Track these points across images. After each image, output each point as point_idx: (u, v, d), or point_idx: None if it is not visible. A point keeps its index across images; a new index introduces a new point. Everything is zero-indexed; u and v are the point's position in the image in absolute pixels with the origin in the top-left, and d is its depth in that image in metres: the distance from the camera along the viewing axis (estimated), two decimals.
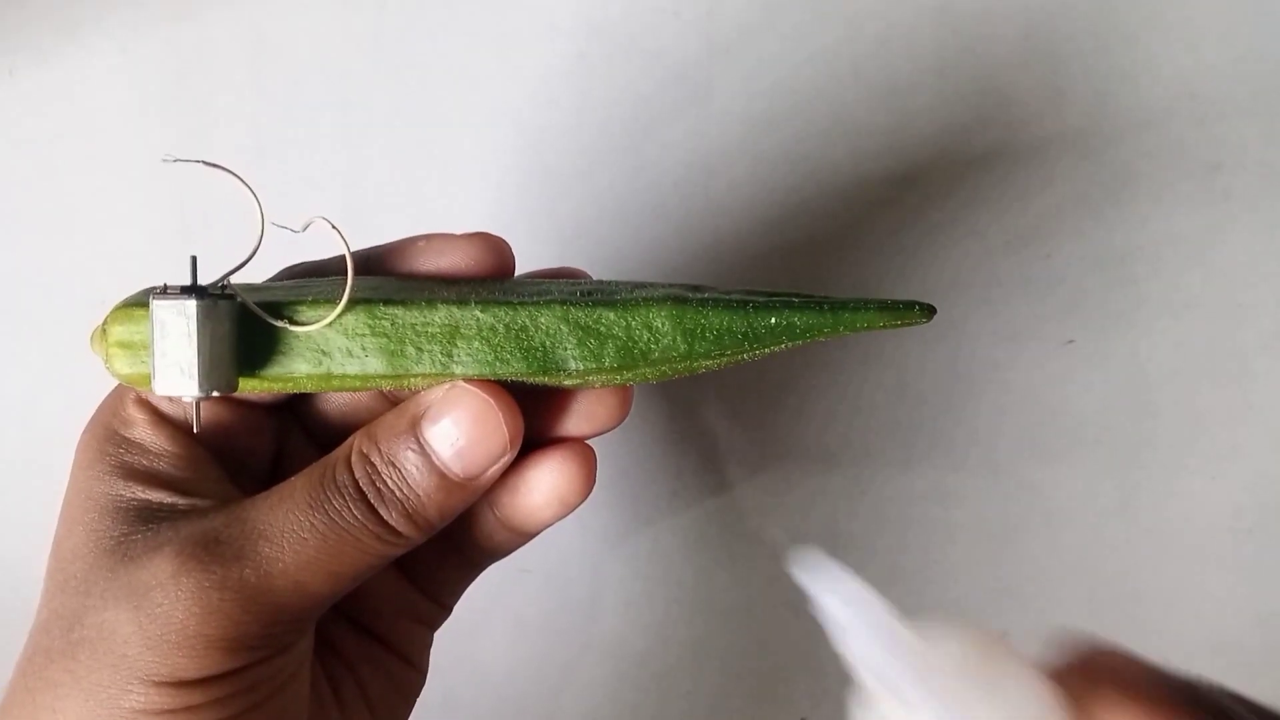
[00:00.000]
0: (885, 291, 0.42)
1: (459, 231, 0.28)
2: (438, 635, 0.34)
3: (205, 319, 0.24)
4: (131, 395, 0.27)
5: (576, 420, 0.28)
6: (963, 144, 0.42)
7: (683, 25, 0.42)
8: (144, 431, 0.27)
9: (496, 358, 0.26)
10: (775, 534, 0.43)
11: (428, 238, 0.28)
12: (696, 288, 0.28)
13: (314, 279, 0.28)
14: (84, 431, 0.27)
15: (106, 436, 0.27)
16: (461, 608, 0.34)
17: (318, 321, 0.26)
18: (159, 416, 0.27)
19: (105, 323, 0.26)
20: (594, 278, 0.31)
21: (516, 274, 0.29)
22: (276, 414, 0.29)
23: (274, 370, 0.26)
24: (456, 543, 0.29)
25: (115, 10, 0.41)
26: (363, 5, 0.42)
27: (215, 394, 0.25)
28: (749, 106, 0.42)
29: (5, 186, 0.41)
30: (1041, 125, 0.42)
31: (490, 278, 0.28)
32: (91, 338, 0.27)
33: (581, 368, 0.26)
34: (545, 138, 0.42)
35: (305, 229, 0.25)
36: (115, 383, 0.29)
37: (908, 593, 0.42)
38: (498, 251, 0.28)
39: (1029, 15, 0.42)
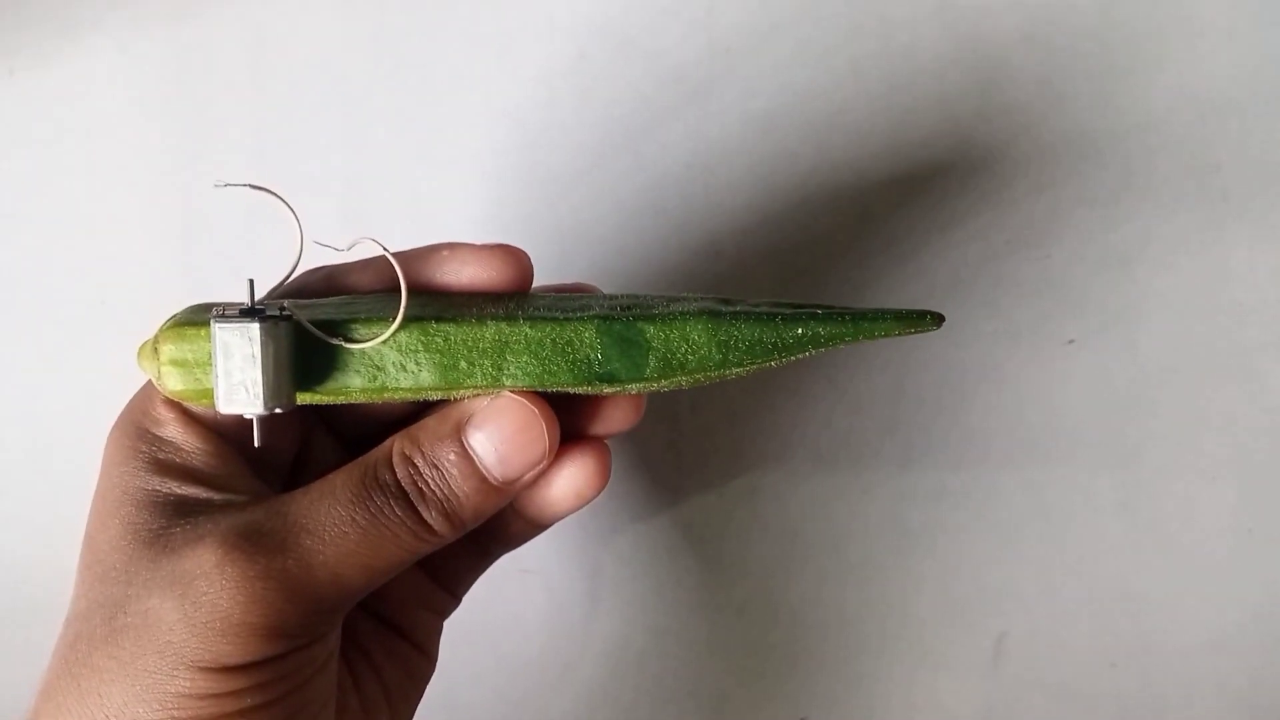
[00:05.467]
0: (886, 291, 0.42)
1: (478, 240, 0.30)
2: (440, 637, 0.34)
3: (267, 340, 0.26)
4: (160, 395, 0.29)
5: (594, 422, 0.31)
6: (963, 144, 0.42)
7: (683, 25, 0.42)
8: (175, 430, 0.28)
9: (544, 370, 0.28)
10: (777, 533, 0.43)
11: (451, 247, 0.30)
12: (726, 300, 0.30)
13: (359, 296, 0.29)
14: (113, 429, 0.29)
15: (138, 434, 0.28)
16: (462, 608, 0.34)
17: (372, 339, 0.27)
18: (188, 415, 0.29)
19: (156, 341, 0.28)
20: (598, 285, 0.32)
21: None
22: (301, 411, 0.30)
23: (329, 385, 0.28)
24: (472, 534, 0.31)
25: (115, 10, 0.41)
26: (363, 5, 0.42)
27: (278, 411, 0.27)
28: (749, 106, 0.42)
29: (5, 186, 0.41)
30: (1042, 125, 0.42)
31: (510, 291, 0.29)
32: (140, 354, 0.28)
33: (624, 378, 0.28)
34: (545, 138, 0.42)
35: (350, 248, 0.27)
36: (117, 384, 0.30)
37: (907, 592, 0.42)
38: (519, 263, 0.29)
39: (1029, 15, 0.42)
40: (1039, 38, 0.43)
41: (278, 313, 0.27)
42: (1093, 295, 0.42)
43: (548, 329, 0.28)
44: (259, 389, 0.26)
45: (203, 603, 0.25)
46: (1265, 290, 0.42)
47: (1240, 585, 0.42)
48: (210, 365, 0.27)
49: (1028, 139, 0.42)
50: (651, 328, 0.28)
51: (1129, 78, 0.43)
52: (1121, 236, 0.42)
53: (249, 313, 0.26)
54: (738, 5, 0.42)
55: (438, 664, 0.34)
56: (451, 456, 0.27)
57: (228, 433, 0.29)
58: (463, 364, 0.28)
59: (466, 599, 0.35)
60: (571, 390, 0.29)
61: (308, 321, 0.27)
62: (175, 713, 0.25)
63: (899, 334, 0.30)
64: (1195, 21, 0.43)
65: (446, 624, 0.34)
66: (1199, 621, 0.42)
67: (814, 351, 0.30)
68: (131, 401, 0.29)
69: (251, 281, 0.27)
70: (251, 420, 0.27)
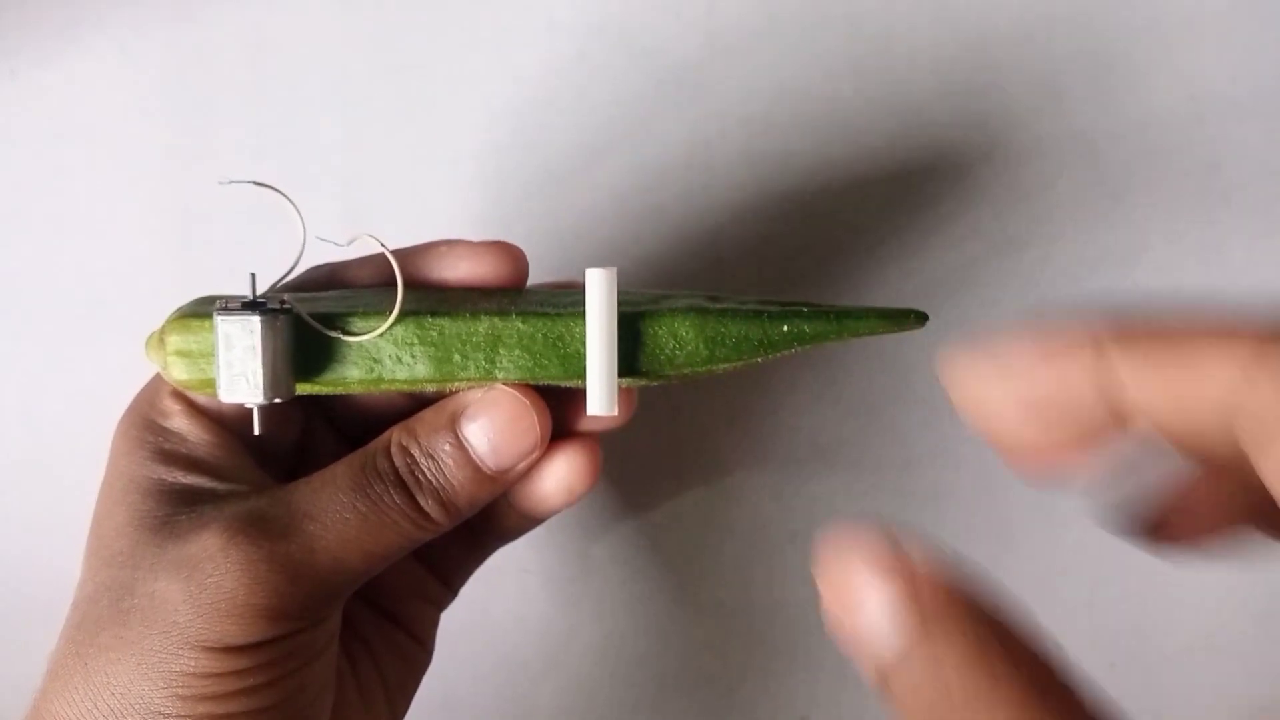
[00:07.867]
0: (886, 290, 0.42)
1: (476, 239, 0.31)
2: (438, 636, 0.34)
3: (268, 332, 0.27)
4: (167, 388, 0.30)
5: (584, 419, 0.31)
6: (962, 143, 0.42)
7: (683, 25, 0.42)
8: (181, 421, 0.29)
9: (535, 364, 0.29)
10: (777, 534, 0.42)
11: (449, 244, 0.31)
12: (714, 297, 0.30)
13: (358, 291, 0.30)
14: (121, 421, 0.30)
15: (145, 425, 0.29)
16: (462, 608, 0.34)
17: (369, 332, 0.28)
18: (194, 408, 0.30)
19: (162, 332, 0.29)
20: None
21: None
22: (301, 405, 0.31)
23: (328, 376, 0.29)
24: (469, 527, 0.32)
25: (115, 10, 0.41)
26: (363, 5, 0.42)
27: (277, 400, 0.28)
28: (749, 106, 0.42)
29: (5, 186, 0.41)
30: (1041, 125, 0.42)
31: (505, 286, 0.30)
32: (147, 345, 0.29)
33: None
34: (545, 138, 0.42)
35: (350, 243, 0.28)
36: (118, 383, 0.31)
37: None
38: (514, 260, 0.30)
39: (1029, 15, 0.42)
40: (1038, 37, 0.43)
41: (278, 306, 0.28)
42: (1091, 295, 0.42)
43: (539, 323, 0.29)
44: (259, 379, 0.27)
45: (208, 585, 0.26)
46: (1265, 290, 0.42)
47: (1240, 585, 0.42)
48: (213, 356, 0.28)
49: (1026, 138, 0.43)
50: (640, 323, 0.29)
51: (1128, 77, 0.43)
52: (1120, 236, 0.42)
53: (250, 306, 0.27)
54: (738, 5, 0.43)
55: (437, 663, 0.35)
56: (446, 447, 0.28)
57: (232, 425, 0.30)
58: (456, 357, 0.28)
59: (466, 600, 0.35)
60: (563, 384, 0.29)
61: (307, 315, 0.28)
62: (180, 691, 0.26)
63: (883, 332, 0.30)
64: (1195, 21, 0.43)
65: (447, 624, 0.35)
66: (1199, 621, 0.42)
67: (799, 348, 0.30)
68: (139, 394, 0.30)
69: (253, 275, 0.28)
70: (252, 409, 0.28)
